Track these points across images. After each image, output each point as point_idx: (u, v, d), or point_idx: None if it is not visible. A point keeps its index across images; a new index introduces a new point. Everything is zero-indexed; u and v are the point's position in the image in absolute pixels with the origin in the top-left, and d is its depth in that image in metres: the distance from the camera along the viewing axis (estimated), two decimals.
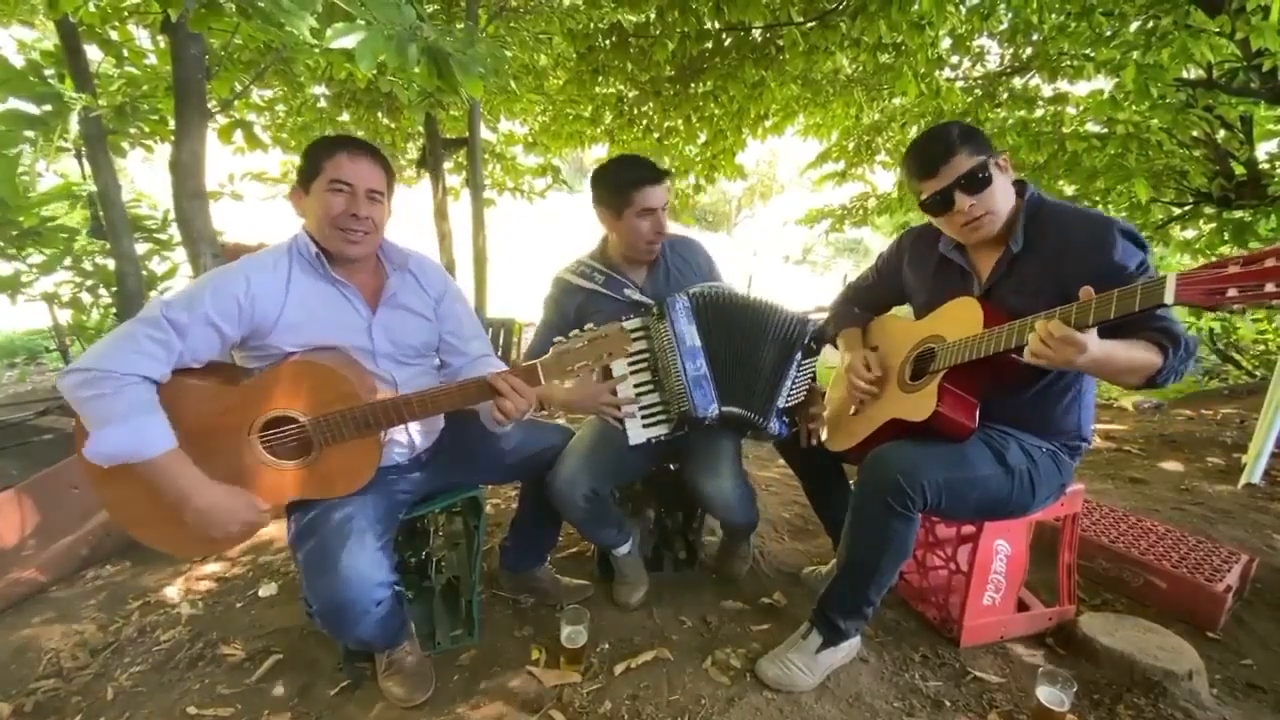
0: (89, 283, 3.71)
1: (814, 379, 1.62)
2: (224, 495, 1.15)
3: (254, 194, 4.74)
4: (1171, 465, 2.72)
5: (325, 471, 1.20)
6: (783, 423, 1.56)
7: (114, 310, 3.68)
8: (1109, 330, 1.07)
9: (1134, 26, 3.63)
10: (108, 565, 1.99)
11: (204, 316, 1.14)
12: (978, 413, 1.27)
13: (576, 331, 1.25)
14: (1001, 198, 1.26)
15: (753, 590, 1.76)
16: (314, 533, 1.19)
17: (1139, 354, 1.09)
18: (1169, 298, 0.93)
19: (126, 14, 2.94)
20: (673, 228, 1.66)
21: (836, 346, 1.63)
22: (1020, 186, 1.32)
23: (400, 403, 1.19)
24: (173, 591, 1.83)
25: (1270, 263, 0.85)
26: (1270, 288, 0.85)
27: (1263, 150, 4.20)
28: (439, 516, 1.52)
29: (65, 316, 3.81)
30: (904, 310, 1.59)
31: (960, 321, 1.29)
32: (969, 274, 1.37)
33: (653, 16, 4.21)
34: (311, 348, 1.23)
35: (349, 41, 1.86)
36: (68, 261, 3.58)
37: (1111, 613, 1.55)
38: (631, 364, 1.52)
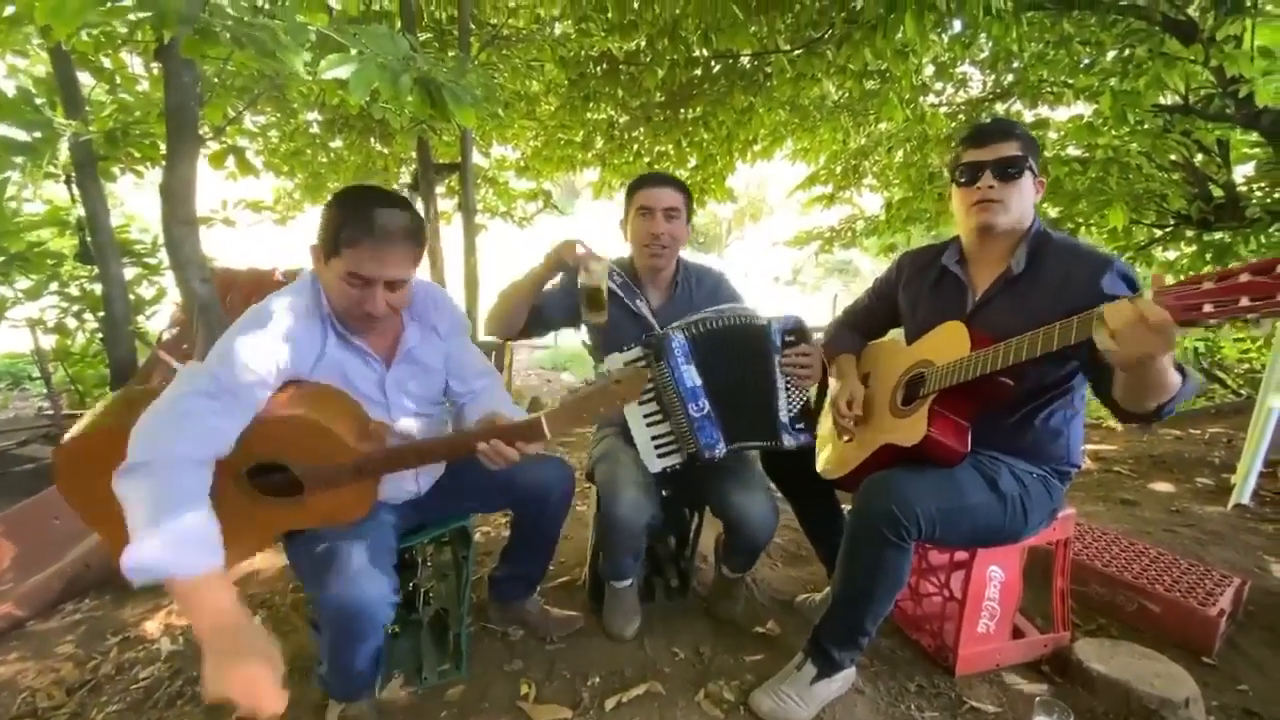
0: (75, 308, 3.68)
1: (806, 367, 1.52)
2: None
3: (245, 218, 4.74)
4: (1162, 486, 2.73)
5: (321, 508, 1.17)
6: (797, 432, 1.51)
7: (99, 335, 3.65)
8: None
9: (1110, 55, 3.73)
10: (86, 599, 1.94)
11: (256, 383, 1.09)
12: (969, 436, 1.28)
13: (589, 378, 1.21)
14: (1019, 201, 1.30)
15: (746, 619, 1.74)
16: (322, 539, 1.16)
17: (1173, 373, 1.06)
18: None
19: (120, 42, 2.96)
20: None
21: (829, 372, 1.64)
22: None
23: (395, 455, 1.17)
24: (152, 626, 1.78)
25: (1244, 278, 0.86)
26: (1245, 302, 0.85)
27: (1240, 173, 4.30)
28: (427, 547, 1.50)
29: (49, 342, 3.77)
30: (899, 333, 1.60)
31: (947, 345, 1.30)
32: (965, 287, 1.39)
33: (643, 44, 4.29)
34: (309, 387, 1.18)
35: (343, 72, 1.89)
36: (54, 286, 3.56)
37: (1107, 638, 1.54)
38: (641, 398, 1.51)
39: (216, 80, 2.80)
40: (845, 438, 1.49)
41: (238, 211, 4.46)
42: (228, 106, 3.16)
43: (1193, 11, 3.37)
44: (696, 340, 1.50)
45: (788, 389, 1.51)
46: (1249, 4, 3.09)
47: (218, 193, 4.39)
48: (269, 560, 2.08)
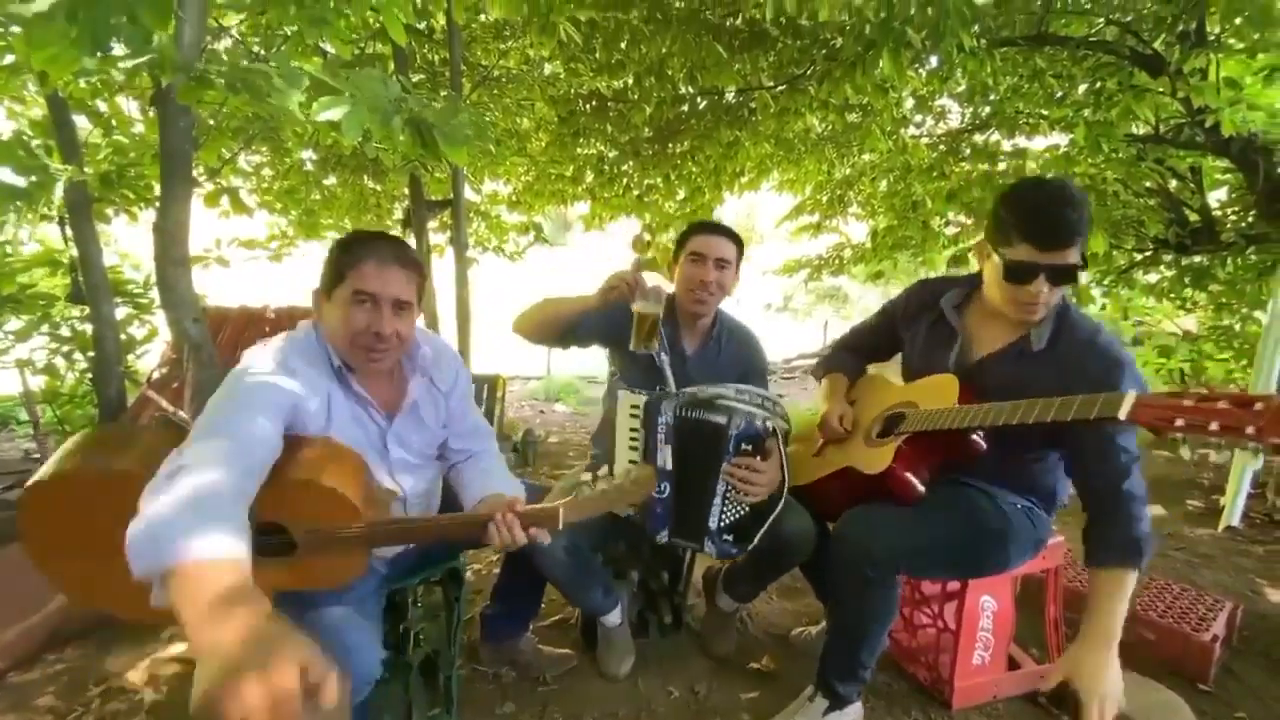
0: (65, 348, 3.66)
1: (750, 482, 1.44)
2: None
3: (237, 255, 4.77)
4: (1153, 510, 2.74)
5: (308, 571, 1.13)
6: (724, 542, 1.45)
7: (89, 375, 3.63)
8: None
9: (1082, 88, 3.86)
10: (69, 648, 1.90)
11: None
12: (928, 481, 1.30)
13: (604, 473, 1.20)
14: (1060, 297, 1.27)
15: (741, 655, 1.72)
16: (307, 600, 1.13)
17: (1124, 598, 1.17)
18: (1123, 413, 0.99)
19: (118, 88, 3.02)
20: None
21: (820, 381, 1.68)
22: None
23: (403, 528, 1.16)
24: (136, 676, 1.74)
25: (1222, 405, 0.91)
26: (1214, 427, 0.91)
27: (1213, 198, 4.41)
28: (417, 588, 1.48)
29: (37, 383, 3.74)
30: (895, 366, 1.63)
31: (935, 394, 1.33)
32: (957, 336, 1.38)
33: (630, 83, 4.40)
34: (319, 446, 1.16)
35: (335, 114, 1.93)
36: (44, 328, 3.56)
37: None
38: (631, 438, 1.51)
39: (212, 122, 2.85)
40: (816, 450, 1.53)
41: (231, 250, 4.50)
42: (222, 148, 3.21)
43: (1159, 45, 3.50)
44: (679, 424, 1.48)
45: (725, 497, 1.45)
46: (1212, 39, 3.21)
47: (211, 230, 4.43)
48: None
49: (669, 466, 1.46)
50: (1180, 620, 1.59)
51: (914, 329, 1.51)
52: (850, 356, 1.68)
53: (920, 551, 1.25)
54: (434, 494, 1.43)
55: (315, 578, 1.14)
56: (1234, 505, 2.39)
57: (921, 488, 1.28)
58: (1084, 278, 1.35)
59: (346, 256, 1.16)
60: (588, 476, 1.19)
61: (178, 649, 1.86)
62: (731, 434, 1.44)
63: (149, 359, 4.02)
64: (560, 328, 1.63)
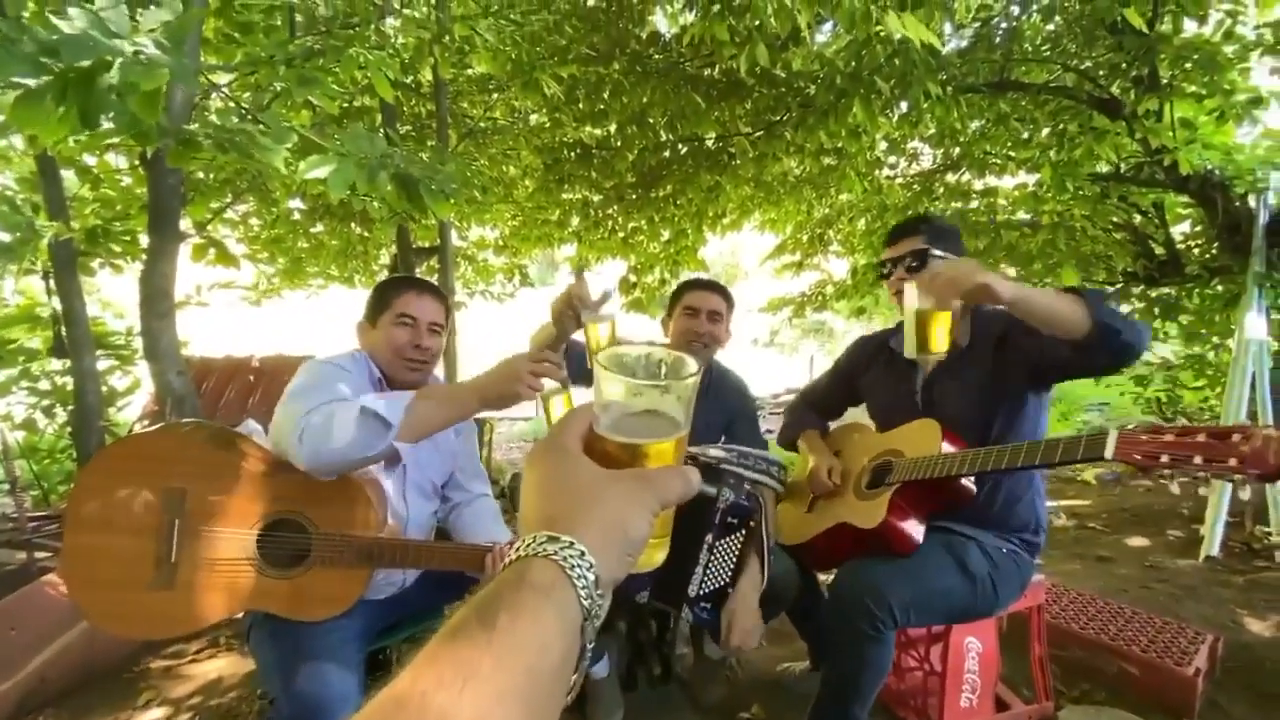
0: (44, 403, 3.63)
1: (737, 565, 1.40)
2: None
3: (222, 301, 4.78)
4: (1136, 541, 2.77)
5: (306, 591, 1.17)
6: (700, 610, 1.41)
7: (69, 429, 3.59)
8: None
9: (1045, 131, 4.03)
10: (43, 714, 1.83)
11: None
12: (924, 530, 1.32)
13: None
14: None
15: (730, 703, 1.70)
16: (289, 632, 1.15)
17: (1051, 295, 1.16)
18: (1109, 453, 1.02)
19: (106, 147, 3.08)
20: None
21: (796, 450, 1.68)
22: None
23: (405, 547, 1.21)
24: None
25: (1200, 438, 0.94)
26: (1198, 460, 0.93)
27: (1177, 231, 4.58)
28: (401, 646, 1.46)
29: (15, 438, 3.68)
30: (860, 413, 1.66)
31: (919, 441, 1.36)
32: (915, 366, 1.47)
33: (613, 131, 4.55)
34: None
35: (322, 173, 1.99)
36: (23, 382, 3.53)
37: (1091, 705, 1.53)
38: None
39: (201, 175, 2.90)
40: (808, 507, 1.53)
41: (213, 294, 4.51)
42: (211, 202, 3.25)
43: (1115, 90, 3.68)
44: None
45: (707, 567, 1.42)
46: (1165, 83, 3.39)
47: (192, 276, 4.45)
48: (235, 666, 2.00)
49: None
50: (1163, 655, 1.59)
51: (870, 376, 1.59)
52: (814, 415, 1.73)
53: (919, 603, 1.26)
54: (431, 532, 1.49)
55: (311, 600, 1.16)
56: (1213, 534, 2.41)
57: (919, 538, 1.29)
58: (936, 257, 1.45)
59: (392, 289, 1.42)
60: None
61: (154, 715, 1.81)
62: (719, 506, 1.41)
63: (131, 410, 3.98)
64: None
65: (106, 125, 1.78)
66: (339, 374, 1.27)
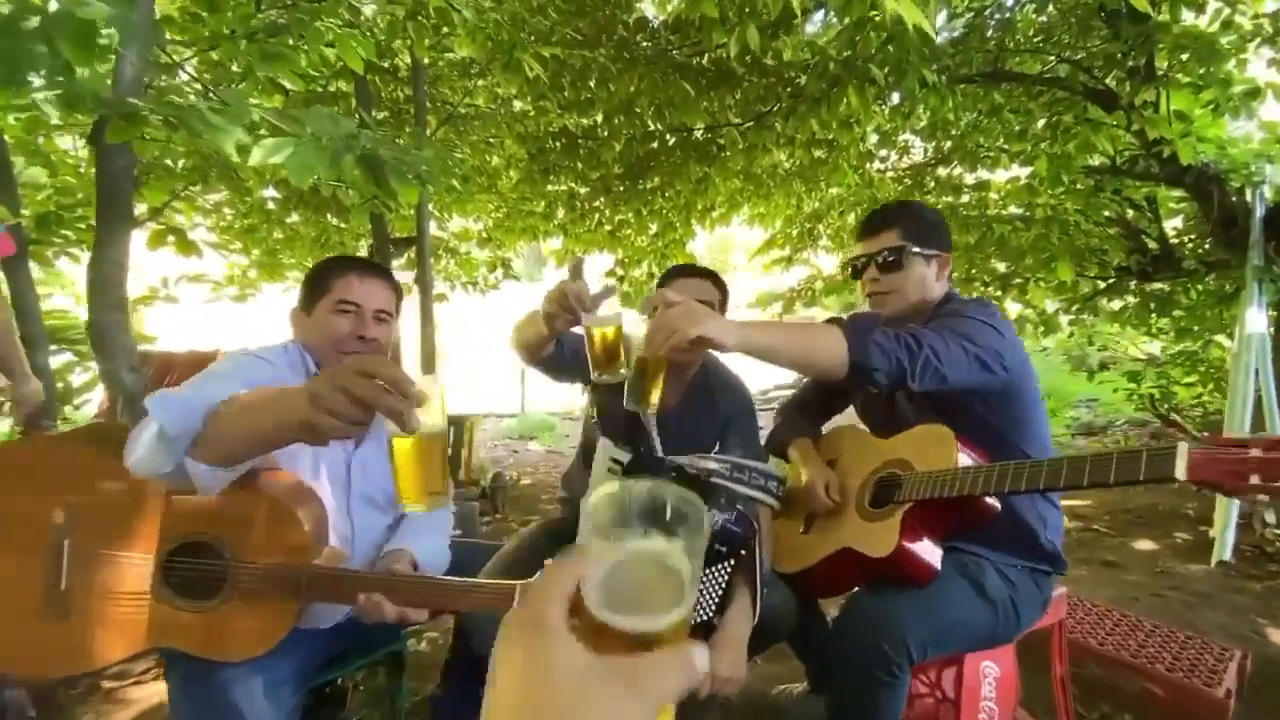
0: None
1: (724, 597, 1.23)
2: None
3: (194, 297, 4.58)
4: (1143, 544, 2.69)
5: (222, 626, 1.00)
6: None
7: (19, 429, 3.38)
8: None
9: (1041, 123, 3.96)
10: None
11: None
12: (941, 556, 1.16)
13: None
14: (912, 286, 1.28)
15: None
16: (212, 672, 0.98)
17: (789, 328, 1.06)
18: (1181, 473, 0.83)
19: (55, 125, 2.88)
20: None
21: (787, 460, 1.54)
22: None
23: (340, 580, 1.01)
24: None
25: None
26: None
27: (1169, 226, 4.54)
28: (357, 673, 1.32)
29: None
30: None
31: (929, 450, 1.19)
32: None
33: (599, 120, 4.41)
34: (295, 483, 1.06)
35: (279, 157, 1.82)
36: None
37: None
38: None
39: (155, 160, 2.71)
40: (804, 527, 1.38)
41: (185, 288, 4.31)
42: (172, 187, 3.07)
43: (1110, 82, 3.61)
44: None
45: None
46: (1160, 74, 3.33)
47: (162, 268, 4.25)
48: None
49: None
50: (1190, 674, 1.49)
51: None
52: (804, 419, 1.57)
53: (937, 638, 1.11)
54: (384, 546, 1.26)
55: (228, 637, 0.99)
56: (1224, 538, 2.34)
57: (938, 564, 1.13)
58: (924, 269, 1.33)
59: (330, 270, 1.20)
60: (550, 563, 1.04)
61: None
62: (711, 531, 1.26)
63: (90, 408, 3.79)
64: (540, 354, 1.37)
65: (36, 83, 1.61)
66: (253, 368, 1.08)
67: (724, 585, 1.24)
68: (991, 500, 1.10)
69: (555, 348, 1.33)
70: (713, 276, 1.53)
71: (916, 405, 1.28)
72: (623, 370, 1.07)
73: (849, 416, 1.54)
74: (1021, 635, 1.29)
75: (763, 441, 1.62)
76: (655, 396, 1.05)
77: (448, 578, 1.07)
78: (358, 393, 0.74)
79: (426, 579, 1.07)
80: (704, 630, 1.24)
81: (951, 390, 1.12)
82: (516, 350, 1.42)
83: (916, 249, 1.26)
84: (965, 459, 1.13)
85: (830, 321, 1.12)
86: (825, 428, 1.58)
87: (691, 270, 1.55)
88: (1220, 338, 4.44)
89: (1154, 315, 4.22)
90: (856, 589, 1.24)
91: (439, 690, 1.46)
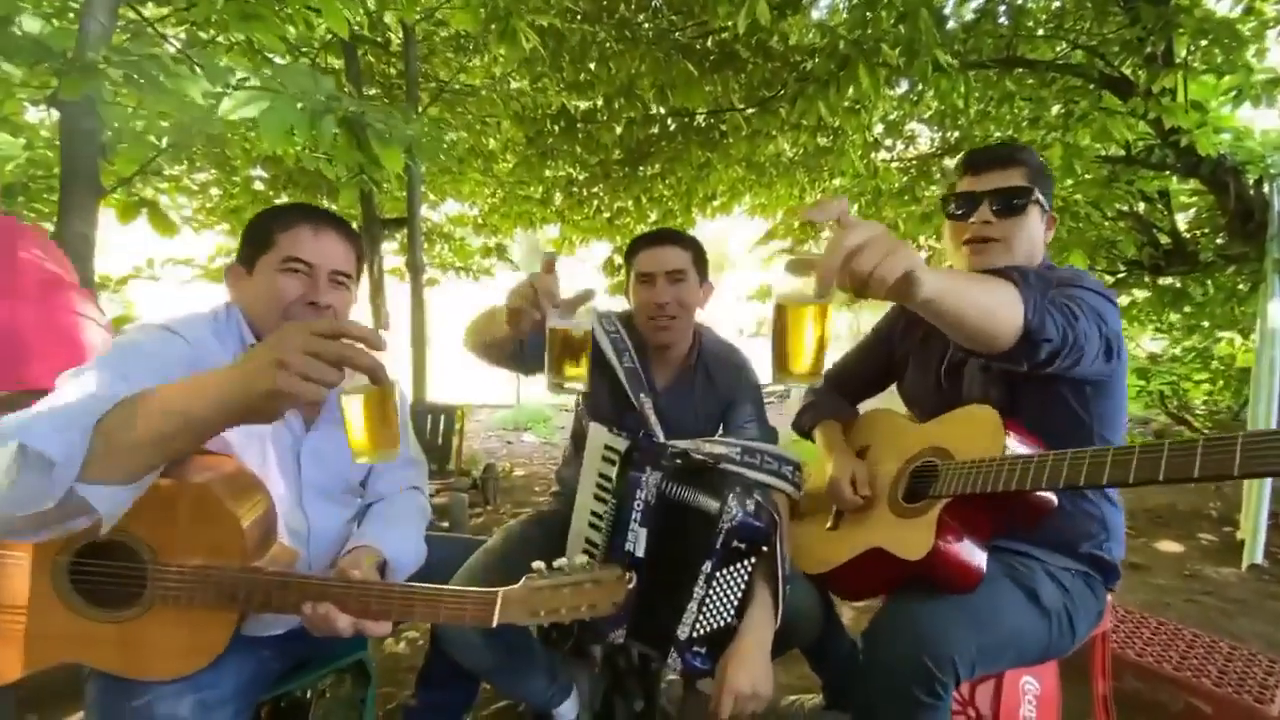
0: None
1: (743, 600, 1.12)
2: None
3: (176, 277, 4.43)
4: (1167, 546, 2.57)
5: (142, 640, 0.85)
6: (691, 656, 1.13)
7: None
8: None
9: (1054, 110, 3.85)
10: None
11: None
12: (985, 556, 1.00)
13: (563, 562, 0.94)
14: (1024, 240, 1.10)
15: None
16: (141, 690, 0.85)
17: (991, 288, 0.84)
18: (1237, 469, 0.71)
19: (17, 86, 2.71)
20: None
21: (812, 439, 1.40)
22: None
23: (287, 586, 0.87)
24: None
25: None
26: None
27: (1182, 219, 4.44)
28: (322, 681, 1.18)
29: None
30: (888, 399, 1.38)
31: (974, 437, 1.04)
32: (948, 340, 1.18)
33: (599, 102, 4.27)
34: (225, 464, 0.91)
35: (251, 111, 1.68)
36: None
37: None
38: (600, 485, 1.22)
39: (122, 127, 2.55)
40: (830, 523, 1.24)
41: (166, 269, 4.16)
42: (144, 156, 2.90)
43: (1126, 69, 3.50)
44: (661, 504, 1.17)
45: (704, 603, 1.13)
46: (1178, 60, 3.22)
47: (146, 249, 4.10)
48: None
49: (640, 553, 1.15)
50: (1239, 689, 1.37)
51: (909, 344, 1.29)
52: (838, 400, 1.42)
53: (986, 653, 0.95)
54: (346, 542, 1.11)
55: (151, 652, 0.85)
56: (1255, 541, 2.23)
57: (982, 566, 0.97)
58: (1040, 224, 1.12)
59: (276, 221, 0.99)
60: (539, 565, 0.92)
61: None
62: (723, 526, 1.10)
63: None
64: (504, 351, 1.24)
65: None
66: (158, 349, 0.86)
67: (743, 586, 1.12)
68: (1045, 493, 0.95)
69: (516, 345, 1.20)
70: (681, 238, 1.38)
71: (984, 389, 1.10)
72: (581, 385, 0.94)
73: (883, 400, 1.40)
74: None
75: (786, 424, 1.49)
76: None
77: (415, 585, 0.91)
78: (331, 354, 0.66)
79: (388, 586, 0.92)
80: (719, 637, 1.11)
81: (1063, 376, 0.95)
82: (473, 351, 1.28)
83: (1040, 196, 1.09)
84: (1015, 446, 0.98)
85: (990, 273, 0.91)
86: (862, 408, 1.43)
87: (660, 236, 1.39)
88: (1229, 334, 4.35)
89: (1168, 310, 4.11)
90: (895, 594, 1.08)
91: (412, 700, 1.33)
